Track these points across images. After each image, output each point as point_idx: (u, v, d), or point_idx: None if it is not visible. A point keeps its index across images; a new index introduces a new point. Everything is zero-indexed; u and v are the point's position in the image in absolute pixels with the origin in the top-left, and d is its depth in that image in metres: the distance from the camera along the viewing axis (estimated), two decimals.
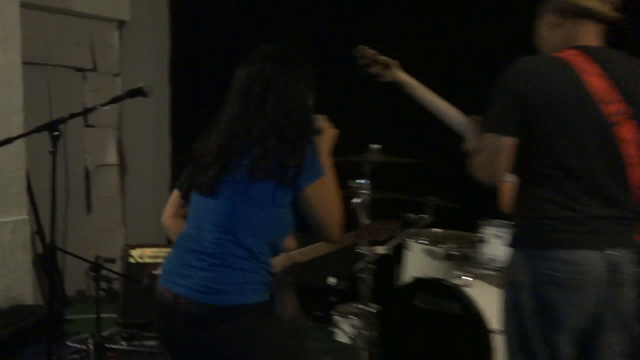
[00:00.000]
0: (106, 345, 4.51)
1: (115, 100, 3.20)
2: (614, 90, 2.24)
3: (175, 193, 3.18)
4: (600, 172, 2.24)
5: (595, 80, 2.24)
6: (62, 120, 2.98)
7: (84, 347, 4.51)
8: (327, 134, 2.27)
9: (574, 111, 2.23)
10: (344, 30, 5.51)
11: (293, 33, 5.50)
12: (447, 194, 4.14)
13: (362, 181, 3.90)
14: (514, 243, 2.40)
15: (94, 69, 6.16)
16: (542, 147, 2.27)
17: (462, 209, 4.03)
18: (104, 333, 4.58)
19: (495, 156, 2.28)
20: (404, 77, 2.81)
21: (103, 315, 4.61)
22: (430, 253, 4.10)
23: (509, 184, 2.53)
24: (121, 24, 6.42)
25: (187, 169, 3.11)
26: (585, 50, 2.29)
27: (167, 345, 2.32)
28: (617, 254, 2.25)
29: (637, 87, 2.28)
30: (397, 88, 2.83)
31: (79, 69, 6.07)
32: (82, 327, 4.85)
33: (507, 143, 2.25)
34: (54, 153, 2.94)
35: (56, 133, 2.93)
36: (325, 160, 2.20)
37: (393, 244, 4.14)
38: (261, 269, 2.17)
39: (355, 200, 3.95)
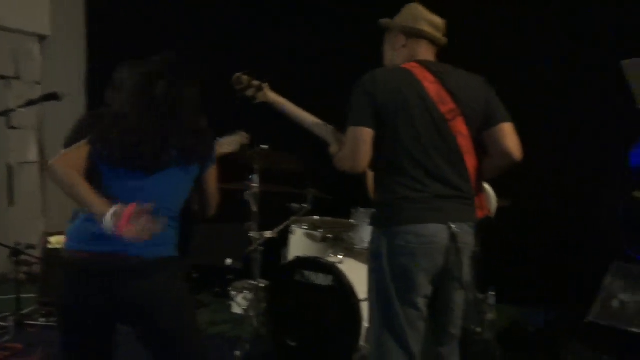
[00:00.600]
0: (26, 322, 4.36)
1: (31, 102, 3.10)
2: (446, 94, 2.39)
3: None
4: (440, 159, 2.35)
5: (431, 86, 2.38)
6: None
7: (5, 324, 4.34)
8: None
9: (417, 109, 2.34)
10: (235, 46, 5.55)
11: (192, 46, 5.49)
12: (324, 187, 4.20)
13: (252, 176, 3.92)
14: (374, 222, 2.48)
15: (17, 78, 5.91)
16: (392, 140, 2.35)
17: (336, 199, 4.09)
18: (24, 311, 4.43)
19: (357, 145, 2.35)
20: (273, 96, 2.81)
21: (23, 295, 4.49)
22: (310, 236, 4.12)
23: (370, 173, 2.59)
24: (42, 37, 6.19)
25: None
26: (423, 63, 2.44)
27: (77, 309, 2.14)
28: (457, 227, 2.34)
29: (462, 91, 2.42)
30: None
31: (3, 77, 5.81)
32: (3, 307, 4.65)
33: (366, 133, 2.33)
34: None
35: None
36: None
37: (279, 229, 4.17)
38: (176, 227, 2.26)
39: (247, 192, 3.95)
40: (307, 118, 2.73)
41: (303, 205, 4.17)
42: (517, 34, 4.86)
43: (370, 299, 2.48)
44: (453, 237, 2.33)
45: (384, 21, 2.58)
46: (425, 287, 2.37)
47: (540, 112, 4.70)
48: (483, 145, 2.49)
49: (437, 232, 2.32)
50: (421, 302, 2.38)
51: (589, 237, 4.58)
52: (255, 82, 2.82)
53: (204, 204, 2.40)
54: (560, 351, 3.98)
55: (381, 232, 2.39)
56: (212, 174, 2.37)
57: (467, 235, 2.40)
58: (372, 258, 2.44)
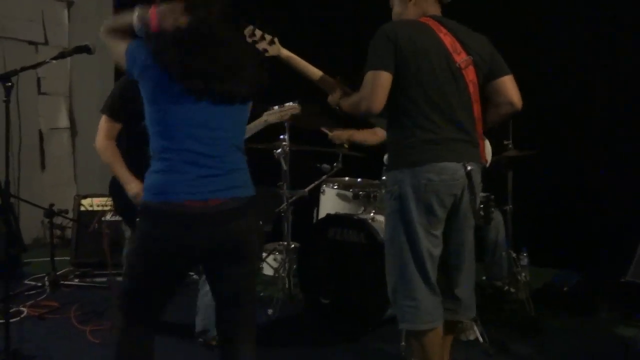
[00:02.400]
0: (61, 282, 4.45)
1: (62, 55, 3.08)
2: (459, 45, 2.52)
3: (105, 118, 3.11)
4: (455, 104, 2.48)
5: (446, 38, 2.51)
6: (14, 73, 2.87)
7: (40, 284, 4.44)
8: None
9: (435, 57, 2.46)
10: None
11: None
12: (355, 146, 4.19)
13: (282, 135, 3.94)
14: (395, 164, 2.55)
15: (45, 43, 5.96)
16: (412, 84, 2.44)
17: (367, 158, 4.08)
18: (59, 272, 4.52)
19: (375, 87, 2.42)
20: (284, 51, 2.89)
21: (57, 258, 4.57)
22: (341, 195, 4.12)
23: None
24: (70, 3, 6.22)
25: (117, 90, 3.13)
26: (436, 18, 2.55)
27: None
28: (471, 166, 2.47)
29: (472, 43, 2.55)
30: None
31: (31, 43, 5.86)
32: (39, 269, 4.76)
33: (385, 77, 2.41)
34: (7, 102, 2.85)
35: (9, 84, 2.82)
36: None
37: (310, 188, 4.19)
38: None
39: (277, 152, 3.96)
40: (313, 71, 2.85)
41: (334, 164, 4.17)
42: None
43: (393, 238, 2.55)
44: (469, 175, 2.48)
45: None
46: (443, 222, 2.52)
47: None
48: (486, 95, 2.64)
49: (456, 169, 2.46)
50: (440, 236, 2.52)
51: (623, 200, 4.57)
52: (268, 36, 2.90)
53: None
54: (595, 309, 4.00)
55: (404, 173, 2.48)
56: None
57: (478, 175, 2.54)
58: (395, 200, 2.51)
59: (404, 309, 2.51)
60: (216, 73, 1.99)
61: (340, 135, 4.00)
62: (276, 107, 3.41)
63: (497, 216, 4.00)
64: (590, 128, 4.90)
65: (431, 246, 2.49)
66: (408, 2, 2.60)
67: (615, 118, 4.81)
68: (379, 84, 2.42)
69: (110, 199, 3.31)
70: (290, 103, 3.43)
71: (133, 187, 2.91)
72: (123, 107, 3.04)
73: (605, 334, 3.69)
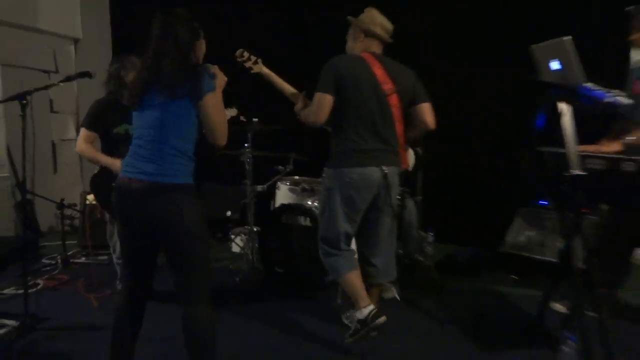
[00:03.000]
0: (70, 260, 4.36)
1: (68, 79, 3.07)
2: (387, 76, 2.61)
3: (83, 129, 3.18)
4: (379, 122, 2.58)
5: (378, 70, 2.60)
6: (29, 93, 2.82)
7: (54, 262, 4.36)
8: (220, 76, 2.07)
9: (366, 85, 2.57)
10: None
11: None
12: (302, 151, 4.22)
13: (246, 144, 3.92)
14: (330, 165, 2.68)
15: (56, 71, 5.77)
16: (346, 106, 2.55)
17: (311, 161, 4.10)
18: (69, 252, 4.43)
19: (320, 106, 2.54)
20: (265, 69, 2.99)
21: (67, 242, 4.49)
22: (292, 190, 4.14)
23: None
24: (76, 40, 6.05)
25: (93, 109, 3.20)
26: (373, 54, 2.67)
27: (121, 216, 2.10)
28: (387, 169, 2.59)
29: (398, 75, 2.66)
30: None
31: (44, 71, 5.67)
32: (53, 250, 4.65)
33: (328, 98, 2.53)
34: (23, 116, 2.79)
35: (24, 101, 2.78)
36: (218, 90, 2.04)
37: (267, 184, 4.19)
38: (188, 160, 2.06)
39: (242, 157, 3.96)
40: (286, 87, 2.94)
41: (286, 166, 4.19)
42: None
43: (322, 213, 2.73)
44: (384, 176, 2.60)
45: (350, 19, 2.75)
46: (362, 210, 2.66)
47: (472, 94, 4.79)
48: (408, 117, 2.73)
49: (373, 172, 2.58)
50: (359, 219, 2.69)
51: (503, 191, 4.68)
52: (253, 57, 3.00)
53: (208, 134, 2.04)
54: (481, 274, 4.13)
55: (335, 172, 2.62)
56: (207, 105, 1.99)
57: (394, 176, 2.66)
58: (326, 190, 2.67)
59: (329, 263, 2.73)
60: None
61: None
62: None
63: (410, 204, 4.07)
64: (484, 137, 4.96)
65: (347, 226, 2.67)
66: (356, 41, 2.71)
67: (490, 118, 4.85)
68: (322, 104, 2.52)
69: (92, 193, 3.32)
70: (229, 108, 3.35)
71: (117, 164, 2.96)
72: (98, 121, 3.16)
73: (489, 292, 3.78)
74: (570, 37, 2.32)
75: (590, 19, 4.37)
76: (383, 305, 3.29)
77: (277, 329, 3.08)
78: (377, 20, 2.70)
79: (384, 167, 2.59)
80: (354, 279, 2.68)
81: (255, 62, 3.01)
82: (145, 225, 2.05)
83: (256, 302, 3.53)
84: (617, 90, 2.41)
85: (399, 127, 2.66)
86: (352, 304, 2.73)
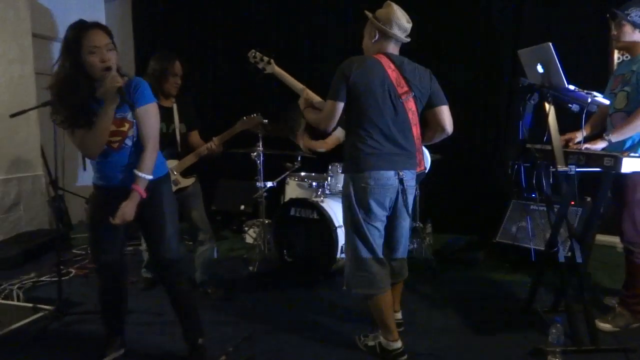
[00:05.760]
0: None
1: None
2: (403, 79, 2.38)
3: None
4: (394, 127, 2.37)
5: (392, 73, 2.37)
6: None
7: (84, 252, 4.44)
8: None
9: (380, 89, 2.33)
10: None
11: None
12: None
13: (258, 143, 3.91)
14: (346, 170, 2.50)
15: None
16: (360, 111, 2.36)
17: (318, 159, 4.13)
18: None
19: (331, 113, 2.36)
20: (277, 69, 2.82)
21: None
22: (300, 185, 4.17)
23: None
24: None
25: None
26: (388, 55, 2.41)
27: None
28: (404, 173, 2.41)
29: (414, 78, 2.41)
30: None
31: None
32: (83, 242, 4.72)
33: (339, 106, 2.35)
34: (54, 121, 2.82)
35: None
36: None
37: (278, 180, 4.20)
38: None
39: (254, 155, 3.98)
40: (297, 85, 2.73)
41: (295, 163, 4.21)
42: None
43: (346, 224, 2.51)
44: (401, 180, 2.39)
45: (367, 13, 2.48)
46: (381, 215, 2.43)
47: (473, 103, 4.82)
48: (425, 119, 2.53)
49: (390, 176, 2.37)
50: (379, 225, 2.45)
51: (495, 185, 4.70)
52: (265, 58, 2.84)
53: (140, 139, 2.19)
54: (476, 261, 4.16)
55: (350, 177, 2.44)
56: (141, 115, 2.14)
57: (410, 180, 2.45)
58: (344, 197, 2.47)
59: (358, 279, 2.44)
60: None
61: (306, 144, 3.87)
62: (244, 118, 3.29)
63: None
64: (481, 140, 4.98)
65: (372, 232, 2.42)
66: (372, 39, 2.44)
67: (495, 130, 4.93)
68: (333, 112, 2.35)
69: None
70: (255, 115, 3.31)
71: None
72: None
73: (483, 278, 3.80)
74: (549, 43, 2.36)
75: (573, 25, 4.40)
76: None
77: (288, 313, 3.15)
78: (394, 18, 2.38)
79: (400, 171, 2.39)
80: (387, 301, 2.47)
81: (269, 62, 2.84)
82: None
83: (269, 289, 3.59)
84: (594, 92, 2.45)
85: (415, 131, 2.45)
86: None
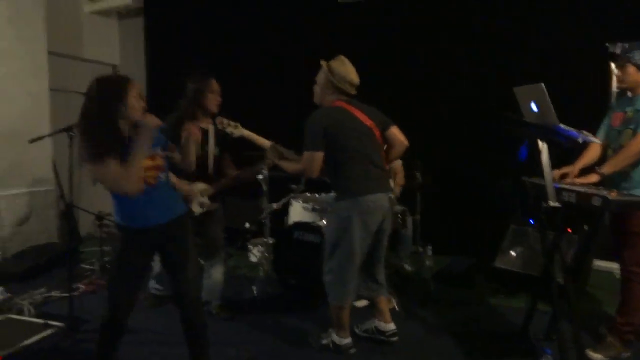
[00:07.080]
0: (107, 265, 4.49)
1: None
2: (365, 115, 2.79)
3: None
4: (372, 153, 2.73)
5: (357, 112, 2.78)
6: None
7: (92, 267, 4.53)
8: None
9: (353, 126, 2.74)
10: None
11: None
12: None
13: (263, 166, 3.97)
14: (343, 196, 2.74)
15: None
16: (343, 149, 2.68)
17: (323, 180, 4.18)
18: (105, 258, 4.57)
19: (312, 163, 2.67)
20: (244, 131, 3.05)
21: (104, 248, 4.61)
22: (304, 208, 4.24)
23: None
24: (114, 66, 6.31)
25: None
26: (347, 101, 2.81)
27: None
28: (389, 193, 2.78)
29: (370, 113, 2.82)
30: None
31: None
32: (90, 256, 4.83)
33: (318, 155, 2.67)
34: (71, 145, 2.96)
35: (72, 133, 2.95)
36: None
37: (282, 202, 4.28)
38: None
39: (259, 176, 4.03)
40: (263, 142, 3.00)
41: (299, 185, 4.28)
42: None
43: (335, 244, 2.76)
44: (390, 200, 2.77)
45: (323, 64, 2.82)
46: (374, 233, 2.75)
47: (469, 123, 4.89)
48: (386, 140, 2.88)
49: (382, 197, 2.73)
50: (370, 242, 2.77)
51: (495, 210, 4.74)
52: (233, 122, 3.04)
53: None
54: (475, 285, 4.21)
55: (350, 201, 2.70)
56: (174, 149, 2.40)
57: (391, 200, 2.82)
58: (341, 219, 2.72)
59: (335, 290, 2.79)
60: None
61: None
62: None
63: (409, 222, 4.21)
64: (478, 166, 4.99)
65: (362, 251, 2.74)
66: (327, 90, 2.81)
67: (494, 156, 4.96)
68: (314, 161, 2.66)
69: None
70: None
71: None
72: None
73: (480, 302, 3.83)
74: (542, 84, 2.46)
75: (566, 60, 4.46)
76: None
77: (290, 335, 3.20)
78: (347, 77, 2.76)
79: (388, 193, 2.76)
80: (348, 310, 2.86)
81: (235, 127, 3.03)
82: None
83: (271, 309, 3.64)
84: (585, 131, 2.54)
85: (382, 154, 2.84)
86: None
